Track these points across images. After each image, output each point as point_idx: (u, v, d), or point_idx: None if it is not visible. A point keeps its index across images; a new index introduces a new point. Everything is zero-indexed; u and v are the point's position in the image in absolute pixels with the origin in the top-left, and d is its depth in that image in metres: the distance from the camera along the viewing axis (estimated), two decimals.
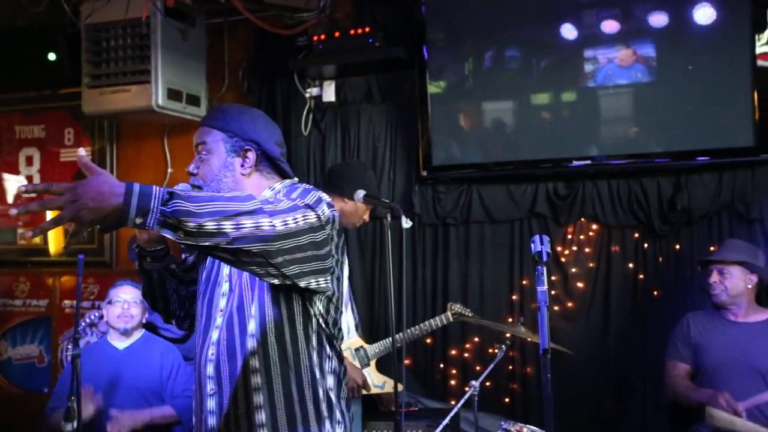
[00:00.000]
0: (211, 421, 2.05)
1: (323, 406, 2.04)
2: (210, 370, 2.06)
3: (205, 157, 2.11)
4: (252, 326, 2.01)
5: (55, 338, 5.32)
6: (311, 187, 2.09)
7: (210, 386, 2.05)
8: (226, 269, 2.10)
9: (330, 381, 2.08)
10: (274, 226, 1.77)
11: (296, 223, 1.84)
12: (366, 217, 3.66)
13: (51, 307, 5.37)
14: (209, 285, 2.13)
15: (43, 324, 5.37)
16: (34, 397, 5.18)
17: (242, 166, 2.12)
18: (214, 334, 2.06)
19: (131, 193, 1.64)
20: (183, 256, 2.32)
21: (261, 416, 1.98)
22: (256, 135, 2.14)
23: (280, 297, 2.01)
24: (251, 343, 2.00)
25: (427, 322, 3.88)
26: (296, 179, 2.21)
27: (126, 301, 3.81)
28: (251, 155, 2.13)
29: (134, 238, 2.09)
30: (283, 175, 2.20)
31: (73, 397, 3.07)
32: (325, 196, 2.02)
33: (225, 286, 2.09)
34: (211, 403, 2.05)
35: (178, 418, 3.73)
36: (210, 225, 1.69)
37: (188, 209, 1.67)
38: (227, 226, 1.70)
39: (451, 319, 3.91)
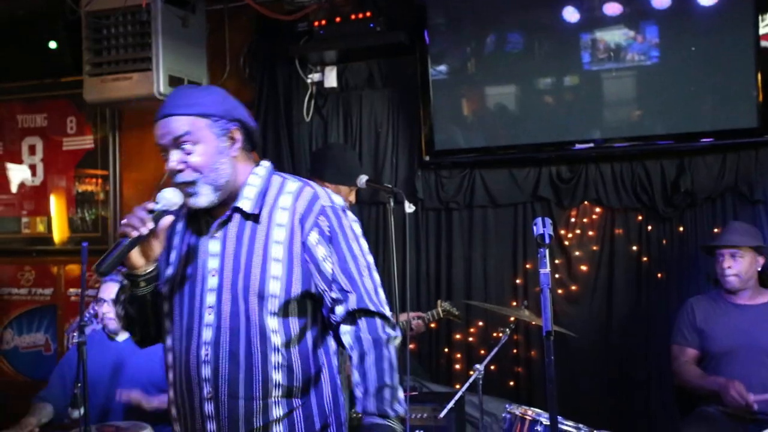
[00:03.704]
0: (211, 426, 1.96)
1: (343, 416, 2.06)
2: (206, 372, 1.95)
3: (192, 148, 1.94)
4: (275, 339, 1.95)
5: (61, 326, 5.34)
6: (340, 203, 2.07)
7: (207, 389, 1.95)
8: (212, 262, 1.99)
9: (333, 347, 2.10)
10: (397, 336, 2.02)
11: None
12: (352, 198, 3.61)
13: (56, 295, 5.39)
14: (187, 279, 2.02)
15: (48, 312, 5.39)
16: (40, 385, 5.17)
17: (232, 148, 2.00)
18: (206, 333, 1.95)
19: None
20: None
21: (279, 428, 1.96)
22: (237, 113, 2.03)
23: (303, 305, 2.00)
24: (271, 355, 1.95)
25: (423, 317, 3.90)
26: (267, 163, 2.11)
27: (107, 302, 3.70)
28: (239, 135, 2.02)
29: (122, 267, 1.97)
30: (253, 148, 2.12)
31: (79, 384, 3.07)
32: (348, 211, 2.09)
33: (213, 281, 1.98)
34: (208, 408, 1.95)
35: None
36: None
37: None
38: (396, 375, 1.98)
39: (441, 316, 3.93)
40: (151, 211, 1.92)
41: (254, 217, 2.00)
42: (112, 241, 5.20)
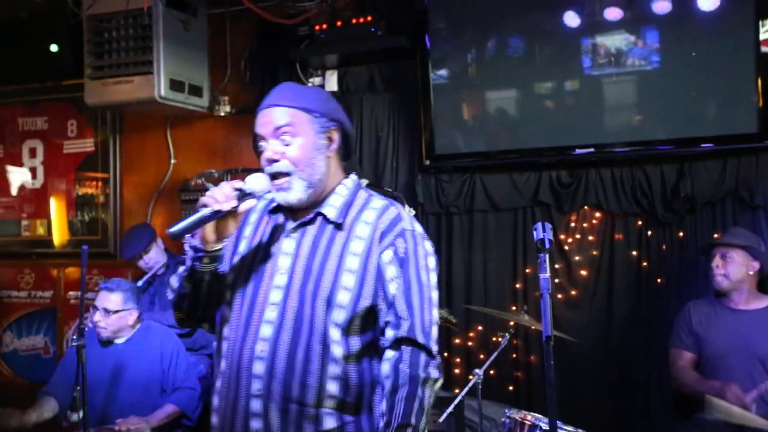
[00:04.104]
0: (256, 424, 1.91)
1: None
2: (259, 368, 1.91)
3: (291, 140, 1.95)
4: (335, 349, 1.91)
5: (61, 329, 5.34)
6: (420, 231, 2.03)
7: (257, 386, 1.91)
8: (284, 260, 1.98)
9: None
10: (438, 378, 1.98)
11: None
12: None
13: (56, 298, 5.39)
14: (254, 272, 2.01)
15: (48, 315, 5.39)
16: (39, 388, 5.19)
17: (328, 148, 2.01)
18: (265, 330, 1.93)
19: None
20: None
21: None
22: (337, 114, 2.04)
23: (366, 322, 1.96)
24: (329, 365, 1.91)
25: None
26: (355, 177, 2.12)
27: (99, 311, 3.70)
28: (336, 136, 2.03)
29: (192, 241, 1.96)
30: (347, 156, 2.13)
31: (78, 387, 3.07)
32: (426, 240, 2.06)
33: (281, 279, 1.97)
34: (255, 405, 1.92)
35: (183, 412, 3.71)
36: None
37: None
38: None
39: (439, 323, 3.91)
40: (237, 190, 1.91)
41: (336, 226, 2.00)
42: (112, 243, 5.21)
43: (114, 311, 3.67)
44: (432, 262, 2.04)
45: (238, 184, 1.92)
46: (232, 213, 1.92)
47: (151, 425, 3.54)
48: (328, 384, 1.91)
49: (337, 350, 1.92)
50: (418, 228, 2.04)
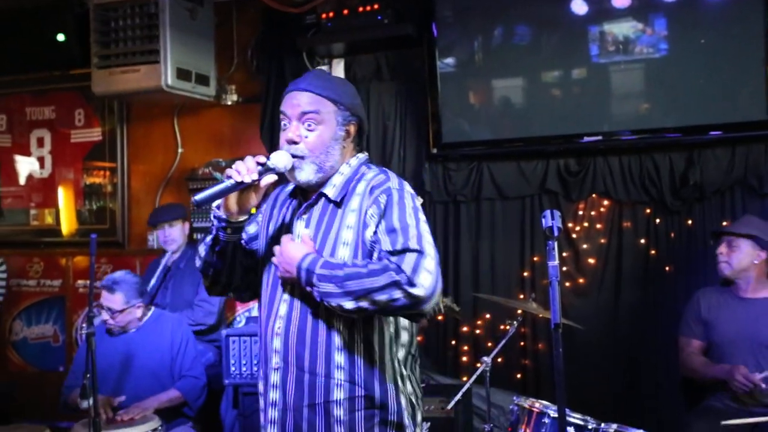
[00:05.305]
0: (274, 395, 2.06)
1: (406, 419, 2.06)
2: (276, 344, 2.05)
3: (315, 127, 2.05)
4: (337, 322, 1.99)
5: (69, 318, 5.37)
6: (409, 190, 2.04)
7: (275, 360, 2.05)
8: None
9: (401, 353, 2.10)
10: (414, 295, 1.84)
11: (438, 275, 1.90)
12: None
13: (64, 287, 5.42)
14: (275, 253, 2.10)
15: (57, 304, 5.42)
16: (49, 375, 5.24)
17: (344, 140, 2.11)
18: (282, 308, 2.06)
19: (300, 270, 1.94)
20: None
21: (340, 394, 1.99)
22: (360, 111, 2.15)
23: None
24: (335, 336, 1.99)
25: None
26: (362, 155, 2.16)
27: (104, 310, 3.72)
28: (354, 131, 2.13)
29: (217, 212, 2.07)
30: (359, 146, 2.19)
31: (88, 375, 3.09)
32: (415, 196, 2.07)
33: None
34: (274, 377, 2.05)
35: (184, 399, 3.73)
36: (348, 305, 1.88)
37: (329, 292, 1.89)
38: (364, 303, 1.86)
39: (442, 311, 3.92)
40: (260, 164, 1.98)
41: (336, 204, 2.07)
42: (120, 232, 5.23)
43: (119, 310, 3.70)
44: (421, 214, 2.01)
45: (261, 159, 2.00)
46: (254, 186, 2.00)
47: (152, 409, 3.57)
48: (335, 354, 1.99)
49: (340, 323, 1.99)
50: (408, 188, 2.07)
